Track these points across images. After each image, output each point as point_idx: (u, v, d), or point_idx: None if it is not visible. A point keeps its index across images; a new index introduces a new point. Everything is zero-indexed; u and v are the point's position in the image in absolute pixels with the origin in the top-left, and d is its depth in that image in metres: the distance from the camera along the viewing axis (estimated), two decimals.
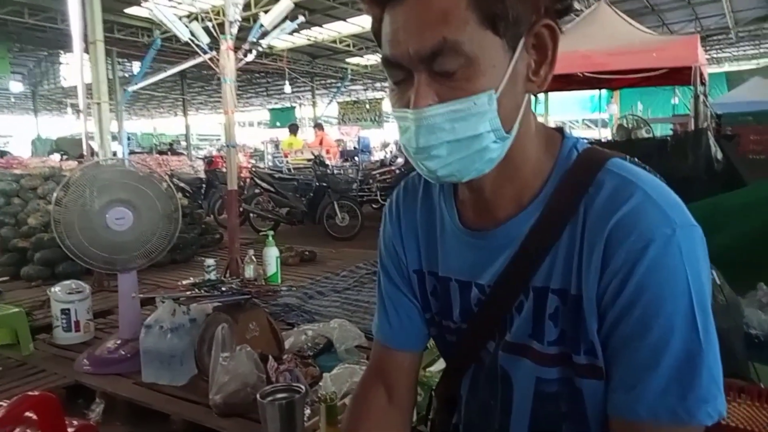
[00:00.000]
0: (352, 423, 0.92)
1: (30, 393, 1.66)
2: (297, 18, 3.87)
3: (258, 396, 1.38)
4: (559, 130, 0.76)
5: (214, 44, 3.43)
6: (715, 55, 17.65)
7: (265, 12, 3.64)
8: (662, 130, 10.74)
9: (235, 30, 3.28)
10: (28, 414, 1.55)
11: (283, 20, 3.56)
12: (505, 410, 0.78)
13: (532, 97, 0.73)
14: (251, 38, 3.40)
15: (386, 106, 21.60)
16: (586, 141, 0.76)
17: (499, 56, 0.63)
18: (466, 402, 0.86)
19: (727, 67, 18.83)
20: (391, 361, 0.91)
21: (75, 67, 5.03)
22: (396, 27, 0.63)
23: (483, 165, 0.66)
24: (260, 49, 3.59)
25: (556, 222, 0.69)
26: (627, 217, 0.63)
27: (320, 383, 2.26)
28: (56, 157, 12.95)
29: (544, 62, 0.67)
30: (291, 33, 12.73)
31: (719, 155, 5.11)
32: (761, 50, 17.52)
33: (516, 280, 0.72)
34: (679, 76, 6.11)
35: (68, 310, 3.00)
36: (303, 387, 1.49)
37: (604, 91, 9.92)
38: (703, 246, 0.64)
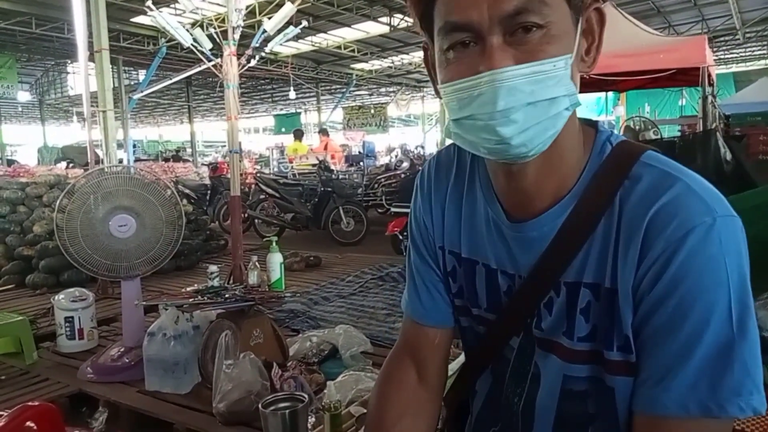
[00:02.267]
0: (382, 398, 0.89)
1: (30, 403, 1.64)
2: (300, 23, 3.85)
3: (260, 405, 1.35)
4: (593, 123, 0.75)
5: (218, 51, 3.43)
6: (722, 56, 17.55)
7: (269, 19, 3.63)
8: (670, 132, 10.68)
9: (237, 35, 3.27)
10: (28, 424, 1.53)
11: (286, 25, 3.55)
12: (528, 409, 0.76)
13: None
14: (254, 43, 3.39)
15: (391, 110, 21.65)
16: (620, 135, 0.74)
17: (570, 25, 0.64)
18: (487, 401, 0.84)
19: (734, 68, 18.73)
20: (422, 337, 0.88)
21: (81, 76, 5.05)
22: None
23: (549, 138, 0.64)
24: (263, 54, 3.58)
25: (591, 215, 0.68)
26: (667, 206, 0.62)
27: (325, 391, 2.23)
28: (62, 165, 13.01)
29: (592, 44, 0.68)
30: (295, 39, 12.76)
31: (728, 156, 5.05)
32: None
33: (548, 273, 0.71)
34: (687, 77, 6.07)
35: (72, 317, 2.98)
36: (306, 395, 1.46)
37: (610, 94, 9.86)
38: (743, 237, 0.62)
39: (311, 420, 1.97)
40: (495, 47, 0.61)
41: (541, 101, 0.61)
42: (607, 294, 0.67)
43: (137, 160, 15.02)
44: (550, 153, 0.66)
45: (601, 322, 0.68)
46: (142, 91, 10.75)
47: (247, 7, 3.18)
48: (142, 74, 16.08)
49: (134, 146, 15.76)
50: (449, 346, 0.91)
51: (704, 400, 0.59)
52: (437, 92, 0.74)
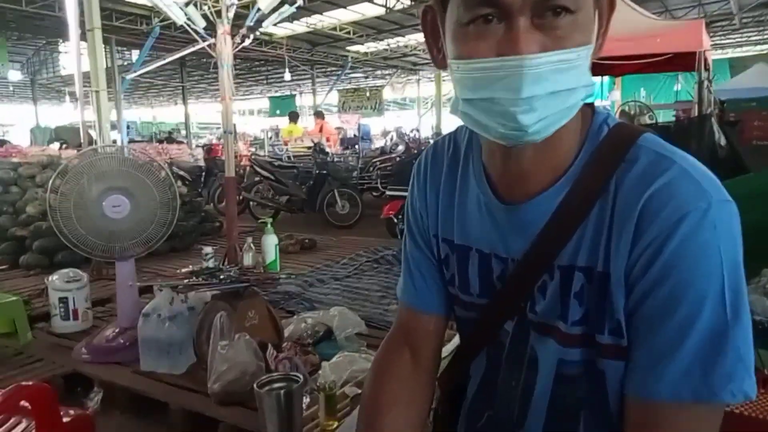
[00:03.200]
0: (376, 384, 0.89)
1: (24, 383, 1.64)
2: (295, 2, 3.80)
3: (255, 386, 1.36)
4: (590, 104, 0.73)
5: (212, 30, 3.39)
6: (718, 41, 17.49)
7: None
8: (665, 117, 10.67)
9: (231, 14, 3.23)
10: (22, 404, 1.53)
11: (281, 4, 3.50)
12: (526, 394, 0.76)
13: None
14: (249, 22, 3.35)
15: (386, 93, 21.52)
16: (617, 117, 0.73)
17: (591, 13, 0.62)
18: (481, 385, 0.85)
19: (730, 54, 18.69)
20: (416, 323, 0.89)
21: (73, 56, 4.98)
22: None
23: (560, 124, 0.63)
24: (258, 34, 3.54)
25: (586, 198, 0.67)
26: (662, 190, 0.61)
27: (320, 371, 2.24)
28: (55, 145, 12.91)
29: (599, 31, 0.66)
30: (290, 20, 12.61)
31: (723, 141, 5.07)
32: (765, 36, 17.35)
33: (542, 257, 0.70)
34: (683, 61, 6.05)
35: (66, 298, 2.98)
36: (301, 376, 1.47)
37: (606, 78, 9.83)
38: (737, 222, 0.62)
39: (306, 400, 1.99)
40: (523, 29, 0.58)
41: (562, 91, 0.60)
42: (599, 277, 0.66)
43: (131, 141, 14.91)
44: (550, 136, 0.65)
45: (594, 305, 0.67)
46: (135, 72, 10.62)
47: None
48: (135, 54, 15.87)
49: (128, 127, 15.62)
50: (444, 332, 0.91)
51: (697, 386, 0.60)
52: (435, 60, 0.72)
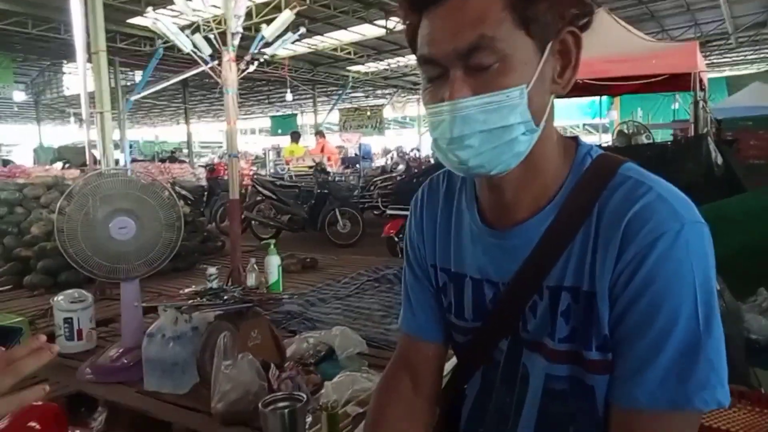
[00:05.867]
0: (378, 410, 0.93)
1: (33, 403, 1.67)
2: (298, 29, 3.89)
3: (260, 405, 1.39)
4: (574, 138, 0.80)
5: (216, 54, 3.46)
6: (715, 61, 17.68)
7: (267, 23, 3.66)
8: (663, 136, 10.75)
9: (236, 42, 3.30)
10: (31, 424, 1.56)
11: (285, 32, 3.59)
12: (518, 409, 0.80)
13: None
14: (253, 50, 3.43)
15: (387, 112, 21.68)
16: (599, 148, 0.79)
17: (530, 55, 0.68)
18: (476, 403, 0.88)
19: (727, 72, 18.86)
20: (416, 351, 0.93)
21: (78, 77, 5.08)
22: (435, 27, 0.68)
23: (510, 158, 0.69)
24: (262, 60, 3.62)
25: (571, 224, 0.73)
26: (640, 213, 0.67)
27: (322, 391, 2.26)
28: (58, 165, 13.00)
29: (568, 66, 0.72)
30: (292, 43, 12.80)
31: (719, 160, 5.11)
32: (761, 55, 17.55)
33: (531, 279, 0.75)
34: (679, 82, 6.15)
35: (71, 318, 3.00)
36: (304, 395, 1.50)
37: (604, 97, 9.95)
38: (709, 242, 0.67)
39: (308, 420, 2.01)
40: (455, 79, 0.67)
41: (495, 129, 0.67)
42: (585, 296, 0.71)
43: (134, 160, 14.98)
44: (524, 168, 0.72)
45: (580, 323, 0.72)
46: (139, 93, 10.75)
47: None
48: (138, 75, 16.05)
49: (130, 147, 15.71)
50: (444, 357, 0.95)
51: (673, 393, 0.64)
52: None
